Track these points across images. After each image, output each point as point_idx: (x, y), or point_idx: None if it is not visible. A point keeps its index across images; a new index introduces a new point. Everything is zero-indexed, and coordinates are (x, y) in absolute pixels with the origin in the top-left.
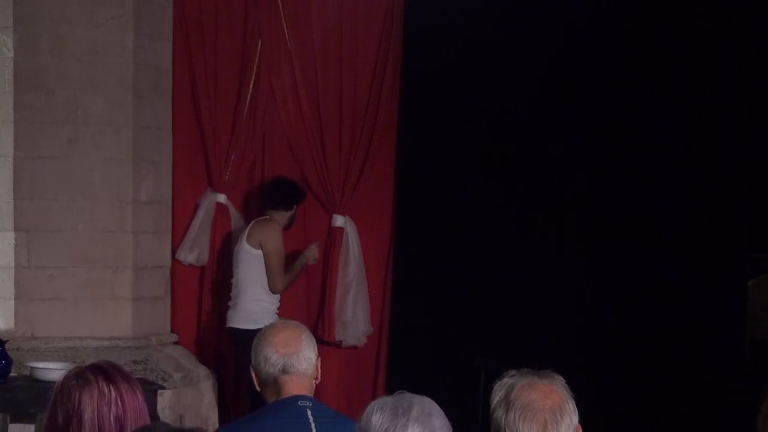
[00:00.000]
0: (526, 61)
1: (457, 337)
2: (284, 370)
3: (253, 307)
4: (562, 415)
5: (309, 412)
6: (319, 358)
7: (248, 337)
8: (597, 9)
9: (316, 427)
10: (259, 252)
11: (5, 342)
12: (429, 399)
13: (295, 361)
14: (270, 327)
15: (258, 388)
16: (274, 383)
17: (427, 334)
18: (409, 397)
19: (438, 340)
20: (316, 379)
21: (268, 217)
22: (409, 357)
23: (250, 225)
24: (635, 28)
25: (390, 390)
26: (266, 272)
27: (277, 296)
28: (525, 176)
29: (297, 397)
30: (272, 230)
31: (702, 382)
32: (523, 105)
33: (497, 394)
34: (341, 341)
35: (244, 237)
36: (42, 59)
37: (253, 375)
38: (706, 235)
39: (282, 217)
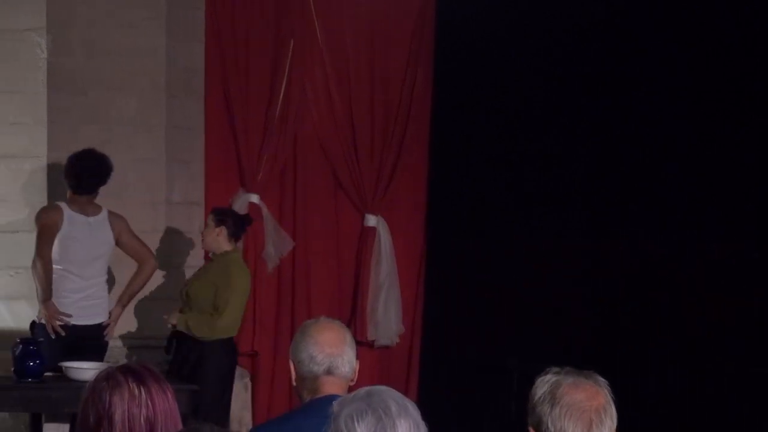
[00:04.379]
0: (559, 57)
1: (489, 337)
2: (328, 371)
3: None
4: (606, 417)
5: None
6: (358, 362)
7: None
8: (625, 7)
9: None
10: None
11: (40, 341)
12: (389, 388)
13: (340, 363)
14: (315, 324)
15: (294, 383)
16: (314, 381)
17: (460, 334)
18: (376, 395)
19: (470, 340)
20: (352, 380)
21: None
22: (441, 357)
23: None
24: (659, 25)
25: (423, 391)
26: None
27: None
28: (559, 175)
29: (331, 398)
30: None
31: (734, 380)
32: (557, 102)
33: (540, 389)
34: (374, 341)
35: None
36: (75, 60)
37: (292, 368)
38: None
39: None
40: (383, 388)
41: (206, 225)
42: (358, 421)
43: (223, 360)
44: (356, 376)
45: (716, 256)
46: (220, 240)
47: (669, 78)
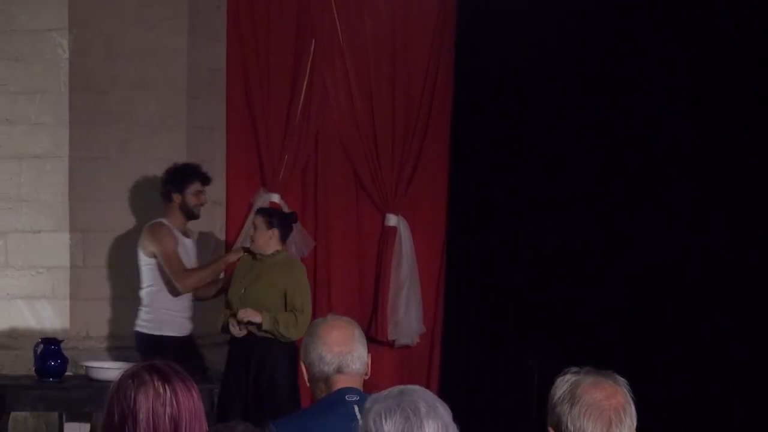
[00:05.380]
0: (582, 57)
1: (510, 337)
2: (339, 370)
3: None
4: (625, 416)
5: (356, 408)
6: (370, 355)
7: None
8: (649, 11)
9: None
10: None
11: (61, 341)
12: (423, 388)
13: (350, 360)
14: (322, 324)
15: (308, 383)
16: (326, 381)
17: (480, 333)
18: (408, 393)
19: (491, 339)
20: (366, 375)
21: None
22: (461, 357)
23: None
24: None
25: (444, 390)
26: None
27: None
28: (579, 175)
29: (344, 391)
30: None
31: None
32: (579, 102)
33: (560, 389)
34: (394, 341)
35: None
36: (96, 60)
37: (304, 370)
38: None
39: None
40: (416, 387)
41: (255, 227)
42: (385, 419)
43: (294, 362)
44: (369, 370)
45: (721, 261)
46: (272, 242)
47: (673, 80)
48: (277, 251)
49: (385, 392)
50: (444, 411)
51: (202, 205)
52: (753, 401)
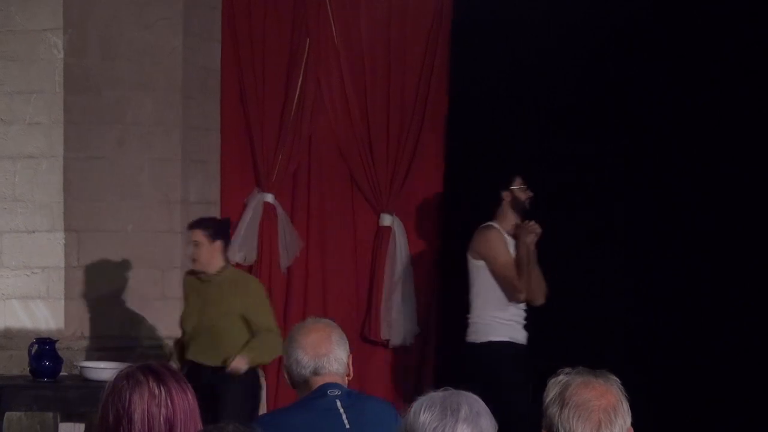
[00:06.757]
0: (577, 61)
1: None
2: (316, 372)
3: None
4: (616, 416)
5: (338, 402)
6: (351, 356)
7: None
8: (643, 9)
9: (346, 416)
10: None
11: (55, 341)
12: (476, 397)
13: (326, 362)
14: (300, 327)
15: (291, 387)
16: (306, 383)
17: None
18: (457, 395)
19: None
20: (348, 376)
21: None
22: (456, 357)
23: None
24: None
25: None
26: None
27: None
28: (571, 176)
29: (327, 386)
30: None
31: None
32: (577, 100)
33: (552, 391)
34: (388, 340)
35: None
36: (91, 61)
37: (286, 375)
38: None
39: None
40: (469, 394)
41: (197, 243)
42: (424, 411)
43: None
44: (351, 371)
45: (722, 260)
46: (216, 257)
47: (675, 78)
48: (223, 267)
49: (441, 390)
50: (486, 423)
51: (530, 198)
52: (753, 400)
